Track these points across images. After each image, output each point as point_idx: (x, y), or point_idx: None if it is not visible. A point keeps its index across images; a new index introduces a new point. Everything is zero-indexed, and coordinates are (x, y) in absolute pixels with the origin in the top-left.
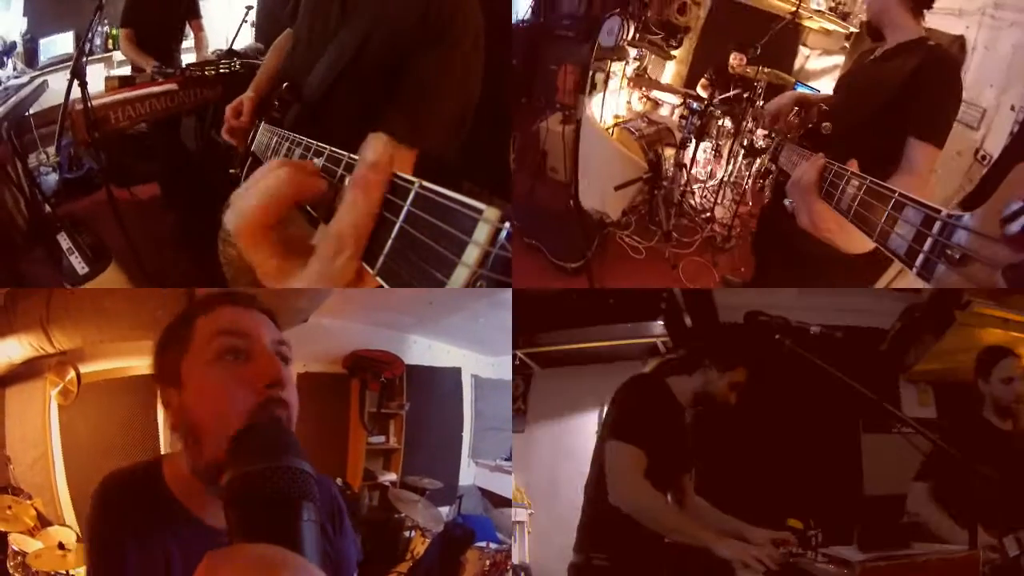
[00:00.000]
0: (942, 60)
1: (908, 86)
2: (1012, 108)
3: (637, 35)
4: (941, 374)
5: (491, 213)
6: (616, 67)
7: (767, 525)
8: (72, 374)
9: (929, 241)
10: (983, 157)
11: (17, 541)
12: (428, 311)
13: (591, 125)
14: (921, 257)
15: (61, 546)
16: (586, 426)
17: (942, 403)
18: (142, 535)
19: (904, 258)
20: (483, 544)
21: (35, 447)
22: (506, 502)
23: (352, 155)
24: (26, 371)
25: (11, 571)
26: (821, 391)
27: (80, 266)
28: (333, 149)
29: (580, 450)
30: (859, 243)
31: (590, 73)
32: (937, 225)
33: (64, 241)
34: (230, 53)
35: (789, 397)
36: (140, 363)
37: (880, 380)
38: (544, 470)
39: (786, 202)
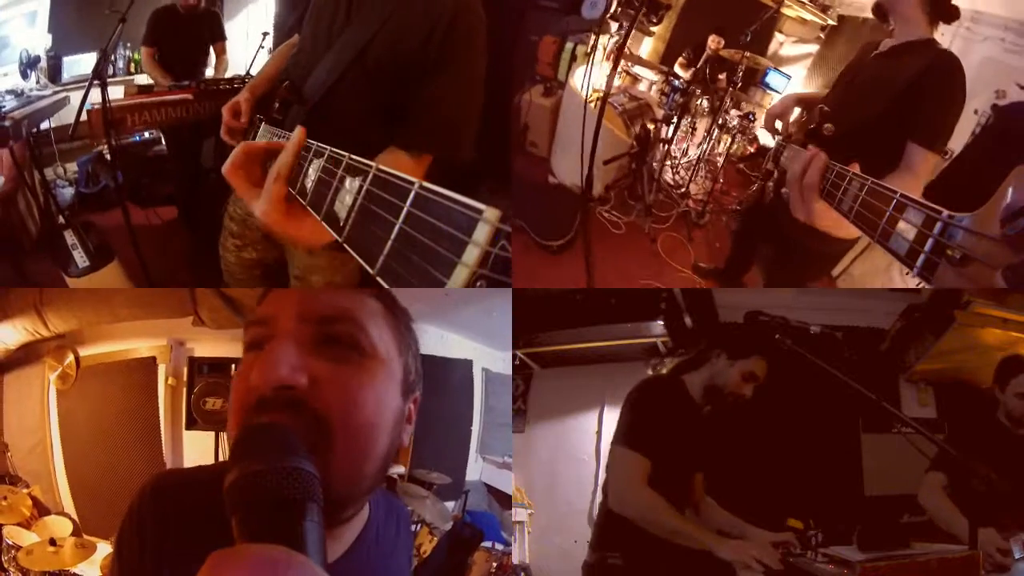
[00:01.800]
0: (949, 66)
1: (913, 89)
2: (975, 112)
3: (619, 8)
4: (941, 374)
5: (491, 213)
6: (600, 40)
7: (768, 525)
8: (71, 357)
9: (930, 241)
10: (945, 152)
11: (12, 535)
12: (443, 301)
13: (574, 98)
14: (922, 257)
15: (52, 542)
16: (586, 426)
17: (942, 403)
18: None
19: (905, 258)
20: (490, 544)
21: (33, 433)
22: (511, 499)
23: (352, 156)
24: (24, 356)
25: (5, 564)
26: (821, 391)
27: (81, 259)
28: (333, 150)
29: (580, 450)
30: (854, 231)
31: (572, 45)
32: (938, 226)
33: (69, 237)
34: (248, 77)
35: (789, 397)
36: (140, 345)
37: (880, 380)
38: (544, 470)
39: (783, 191)
